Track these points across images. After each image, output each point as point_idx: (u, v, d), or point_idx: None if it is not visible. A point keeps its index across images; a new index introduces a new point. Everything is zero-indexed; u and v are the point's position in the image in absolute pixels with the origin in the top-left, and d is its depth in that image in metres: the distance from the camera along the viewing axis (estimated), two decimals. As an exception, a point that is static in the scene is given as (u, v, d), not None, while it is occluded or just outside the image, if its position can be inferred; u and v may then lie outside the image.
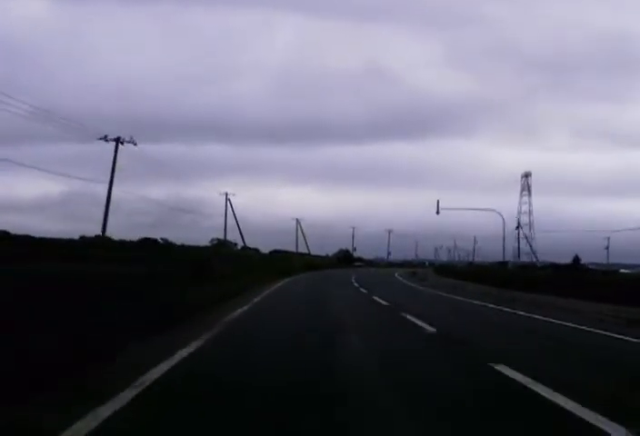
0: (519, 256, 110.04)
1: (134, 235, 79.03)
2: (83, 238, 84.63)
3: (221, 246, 76.65)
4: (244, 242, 72.80)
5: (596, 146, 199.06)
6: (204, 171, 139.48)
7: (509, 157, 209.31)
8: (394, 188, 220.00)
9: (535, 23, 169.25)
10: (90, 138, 45.66)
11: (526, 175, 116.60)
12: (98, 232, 51.49)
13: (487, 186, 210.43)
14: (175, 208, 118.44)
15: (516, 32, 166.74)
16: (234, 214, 74.32)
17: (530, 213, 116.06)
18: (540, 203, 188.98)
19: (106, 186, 46.73)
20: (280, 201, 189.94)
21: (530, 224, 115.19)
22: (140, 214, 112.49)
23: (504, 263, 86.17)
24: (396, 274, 70.55)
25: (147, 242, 77.50)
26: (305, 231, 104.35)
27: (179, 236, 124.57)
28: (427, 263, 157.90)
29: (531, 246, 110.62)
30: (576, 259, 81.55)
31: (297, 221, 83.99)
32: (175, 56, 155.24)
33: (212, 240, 79.89)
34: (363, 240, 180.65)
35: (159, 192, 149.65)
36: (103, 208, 47.18)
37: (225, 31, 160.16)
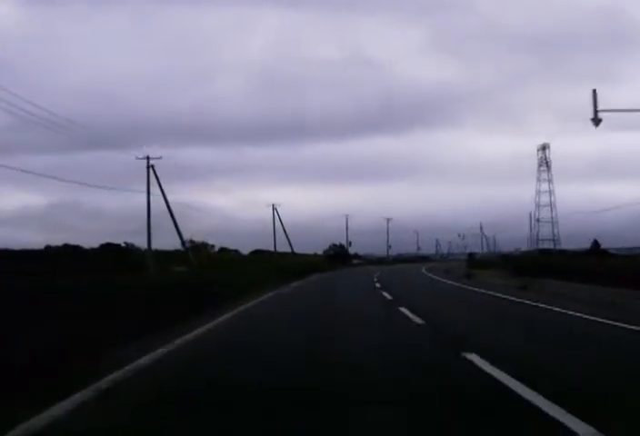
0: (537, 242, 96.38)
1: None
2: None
3: (194, 249, 67.25)
4: (181, 238, 56.81)
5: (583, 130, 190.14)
6: (185, 174, 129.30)
7: (499, 146, 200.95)
8: (383, 183, 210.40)
9: (520, 6, 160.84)
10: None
11: (544, 148, 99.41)
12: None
13: (480, 176, 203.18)
14: (157, 213, 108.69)
15: (501, 17, 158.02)
16: (165, 200, 51.09)
17: (551, 192, 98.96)
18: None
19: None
20: (264, 200, 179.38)
21: (551, 205, 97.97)
22: (123, 220, 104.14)
23: (545, 252, 76.33)
24: (431, 274, 50.41)
25: (108, 249, 68.56)
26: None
27: (158, 242, 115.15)
28: (443, 256, 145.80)
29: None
30: (596, 244, 72.66)
31: (273, 207, 67.10)
32: (151, 57, 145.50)
33: (184, 241, 70.21)
34: (354, 236, 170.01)
35: (142, 198, 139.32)
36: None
37: (201, 29, 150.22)
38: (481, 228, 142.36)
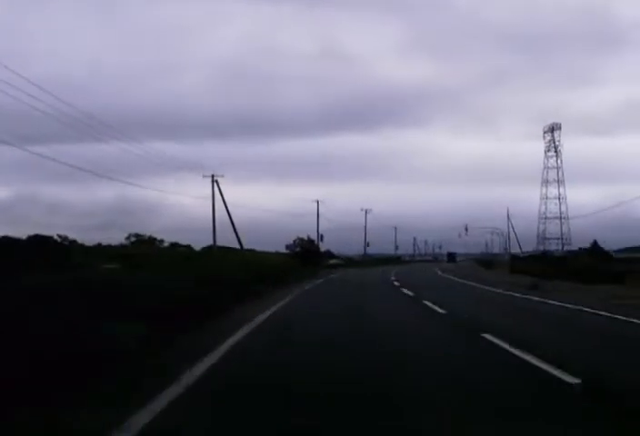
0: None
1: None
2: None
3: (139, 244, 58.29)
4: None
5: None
6: (147, 169, 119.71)
7: (468, 147, 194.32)
8: (354, 181, 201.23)
9: (500, 4, 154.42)
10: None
11: (552, 129, 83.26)
12: None
13: (448, 177, 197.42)
14: (117, 208, 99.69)
15: (476, 17, 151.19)
16: None
17: (561, 182, 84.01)
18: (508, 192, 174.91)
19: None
20: (228, 197, 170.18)
21: (560, 198, 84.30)
22: (84, 216, 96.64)
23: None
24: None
25: (38, 242, 59.41)
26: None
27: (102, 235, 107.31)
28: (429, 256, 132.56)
29: None
30: (595, 245, 64.79)
31: (213, 179, 50.11)
32: (115, 50, 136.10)
33: (128, 235, 61.35)
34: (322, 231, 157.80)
35: (103, 193, 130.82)
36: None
37: (169, 21, 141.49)
38: (508, 217, 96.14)
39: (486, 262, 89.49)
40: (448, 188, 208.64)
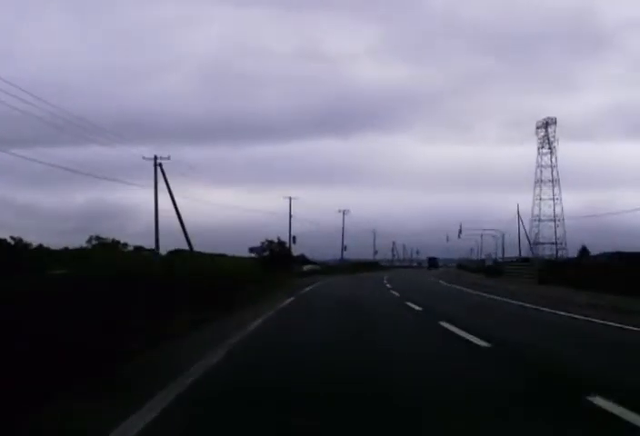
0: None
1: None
2: None
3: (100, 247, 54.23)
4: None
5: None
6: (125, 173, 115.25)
7: (448, 151, 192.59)
8: (326, 186, 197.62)
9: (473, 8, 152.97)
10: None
11: (546, 124, 77.10)
12: None
13: (428, 182, 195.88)
14: (95, 213, 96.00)
15: (452, 20, 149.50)
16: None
17: (556, 181, 77.24)
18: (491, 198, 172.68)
19: None
20: (205, 201, 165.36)
21: (554, 198, 78.08)
22: (61, 220, 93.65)
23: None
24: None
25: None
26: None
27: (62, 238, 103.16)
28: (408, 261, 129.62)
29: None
30: (584, 250, 62.01)
31: (155, 161, 44.42)
32: (91, 51, 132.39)
33: (90, 238, 57.23)
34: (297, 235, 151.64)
35: (80, 197, 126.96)
36: None
37: (148, 23, 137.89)
38: (519, 215, 78.04)
39: (486, 268, 77.82)
40: (428, 193, 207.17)
